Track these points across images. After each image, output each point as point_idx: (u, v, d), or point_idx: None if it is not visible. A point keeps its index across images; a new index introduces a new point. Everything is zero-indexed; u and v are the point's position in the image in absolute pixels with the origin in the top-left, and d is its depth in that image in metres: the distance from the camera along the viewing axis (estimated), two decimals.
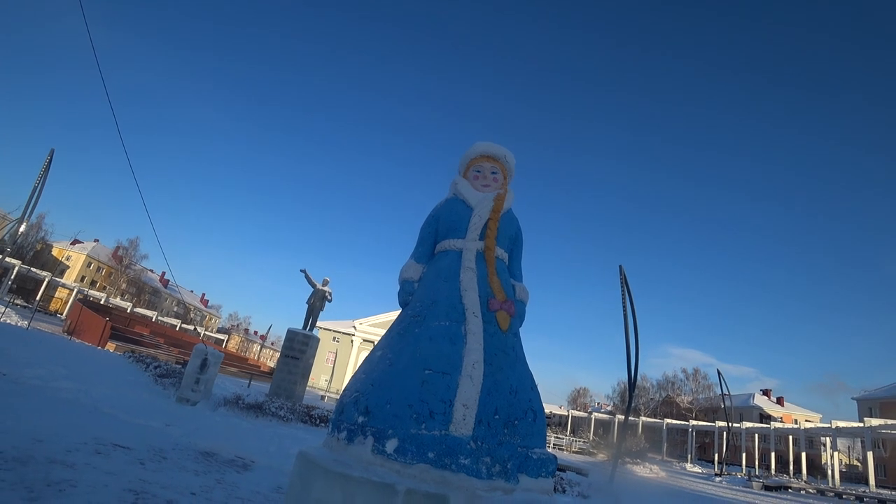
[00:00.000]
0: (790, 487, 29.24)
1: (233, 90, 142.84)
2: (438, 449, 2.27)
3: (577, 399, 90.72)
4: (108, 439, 5.18)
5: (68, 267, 75.24)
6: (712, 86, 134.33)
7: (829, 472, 35.82)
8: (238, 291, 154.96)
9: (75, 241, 76.08)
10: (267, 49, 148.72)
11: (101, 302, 49.40)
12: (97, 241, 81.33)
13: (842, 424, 35.89)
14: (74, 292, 53.34)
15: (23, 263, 50.47)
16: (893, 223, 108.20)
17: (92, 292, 57.54)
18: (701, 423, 54.36)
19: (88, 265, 77.83)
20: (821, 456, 46.35)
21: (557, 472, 10.79)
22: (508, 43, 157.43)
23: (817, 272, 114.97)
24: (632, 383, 12.71)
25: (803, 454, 39.20)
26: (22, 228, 23.84)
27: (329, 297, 17.99)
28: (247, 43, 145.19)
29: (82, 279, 73.26)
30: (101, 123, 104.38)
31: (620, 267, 12.02)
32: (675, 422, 58.02)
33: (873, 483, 31.84)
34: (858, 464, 53.97)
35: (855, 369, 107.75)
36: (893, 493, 30.05)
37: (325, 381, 52.40)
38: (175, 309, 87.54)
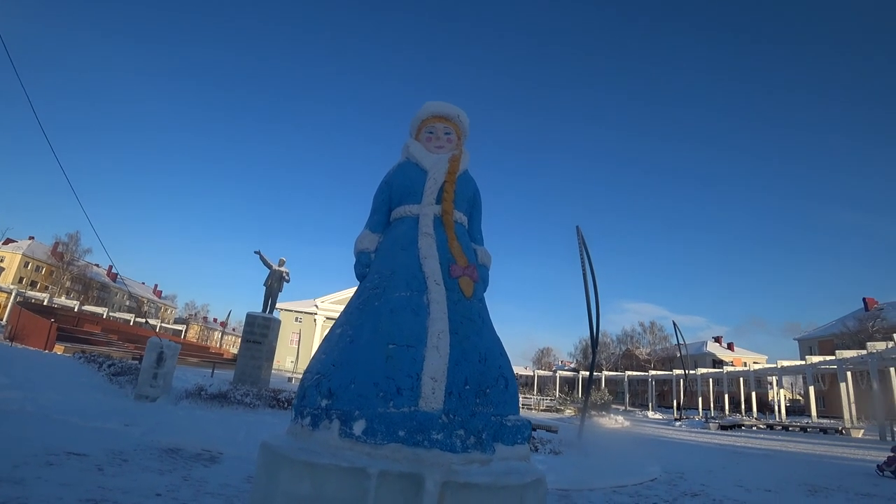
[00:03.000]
0: (743, 425, 31.29)
1: (165, 71, 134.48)
2: (409, 426, 2.16)
3: (541, 359, 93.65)
4: (61, 447, 4.87)
5: (3, 269, 70.43)
6: (663, 39, 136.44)
7: (776, 407, 38.54)
8: (193, 279, 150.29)
9: (8, 241, 71.10)
10: (197, 24, 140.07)
11: (45, 303, 46.64)
12: (32, 238, 76.23)
13: (786, 363, 38.47)
14: (13, 295, 50.06)
15: None
16: (829, 162, 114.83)
17: (32, 293, 54.21)
18: (659, 372, 57.20)
19: (25, 265, 73.07)
20: (768, 394, 49.77)
21: None
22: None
23: (755, 218, 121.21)
24: (594, 340, 13.06)
25: (753, 394, 41.95)
26: None
27: (287, 278, 17.55)
28: (173, 20, 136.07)
29: (20, 280, 68.83)
30: (21, 117, 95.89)
31: (577, 228, 12.15)
32: (635, 373, 60.89)
33: (815, 414, 34.56)
34: (801, 398, 58.33)
35: (796, 308, 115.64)
36: (833, 421, 32.67)
37: (291, 362, 51.97)
38: (127, 303, 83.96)
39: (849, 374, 29.75)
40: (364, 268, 3.07)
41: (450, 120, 3.39)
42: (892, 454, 10.18)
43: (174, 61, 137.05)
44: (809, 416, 34.82)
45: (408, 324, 2.47)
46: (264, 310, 16.83)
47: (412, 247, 2.85)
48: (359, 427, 2.17)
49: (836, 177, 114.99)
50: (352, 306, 2.83)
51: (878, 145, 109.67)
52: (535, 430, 12.47)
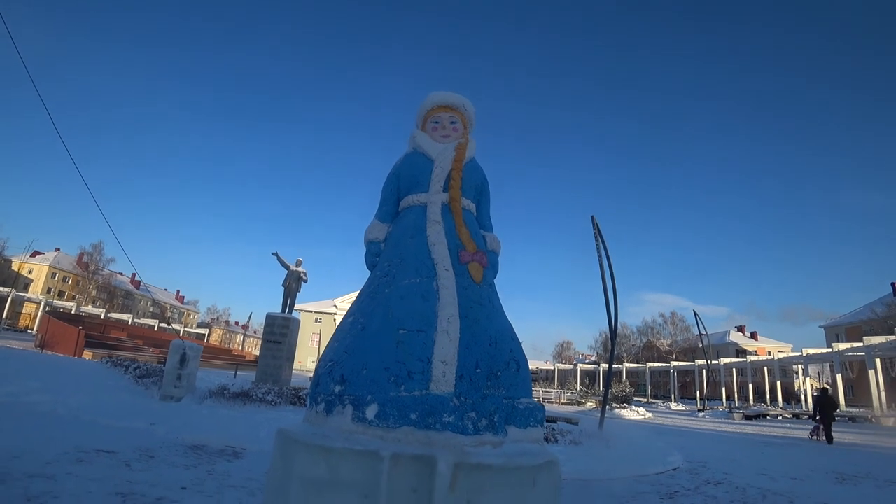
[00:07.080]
0: (768, 415, 30.75)
1: (174, 76, 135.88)
2: (420, 409, 2.19)
3: (561, 353, 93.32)
4: (91, 446, 5.01)
5: (31, 280, 72.48)
6: (671, 28, 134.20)
7: (802, 397, 37.75)
8: (214, 284, 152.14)
9: (35, 253, 73.03)
10: (203, 29, 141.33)
11: (72, 311, 47.88)
12: (58, 249, 78.37)
13: (811, 352, 37.65)
14: (42, 305, 51.50)
15: None
16: (850, 152, 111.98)
17: (60, 303, 55.72)
18: (681, 363, 56.47)
19: (53, 276, 75.19)
20: (794, 383, 48.79)
21: (549, 424, 11.01)
22: None
23: (774, 204, 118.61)
24: (613, 332, 12.95)
25: (778, 383, 41.16)
26: None
27: (304, 278, 17.74)
28: (181, 25, 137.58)
29: (49, 291, 70.78)
30: (37, 126, 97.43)
31: (592, 217, 12.02)
32: (656, 364, 60.25)
33: (843, 403, 33.78)
34: (828, 387, 57.03)
35: (820, 295, 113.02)
36: (861, 409, 31.92)
37: (312, 362, 52.68)
38: (151, 310, 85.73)
39: (878, 360, 29.04)
40: (374, 257, 3.11)
41: (455, 109, 3.40)
42: (814, 425, 15.25)
43: (187, 64, 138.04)
44: (837, 405, 34.03)
45: (417, 309, 2.50)
46: (283, 310, 17.03)
47: (421, 234, 2.87)
48: (371, 411, 2.21)
49: (852, 160, 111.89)
50: (363, 294, 2.87)
51: None
52: (555, 422, 12.42)
